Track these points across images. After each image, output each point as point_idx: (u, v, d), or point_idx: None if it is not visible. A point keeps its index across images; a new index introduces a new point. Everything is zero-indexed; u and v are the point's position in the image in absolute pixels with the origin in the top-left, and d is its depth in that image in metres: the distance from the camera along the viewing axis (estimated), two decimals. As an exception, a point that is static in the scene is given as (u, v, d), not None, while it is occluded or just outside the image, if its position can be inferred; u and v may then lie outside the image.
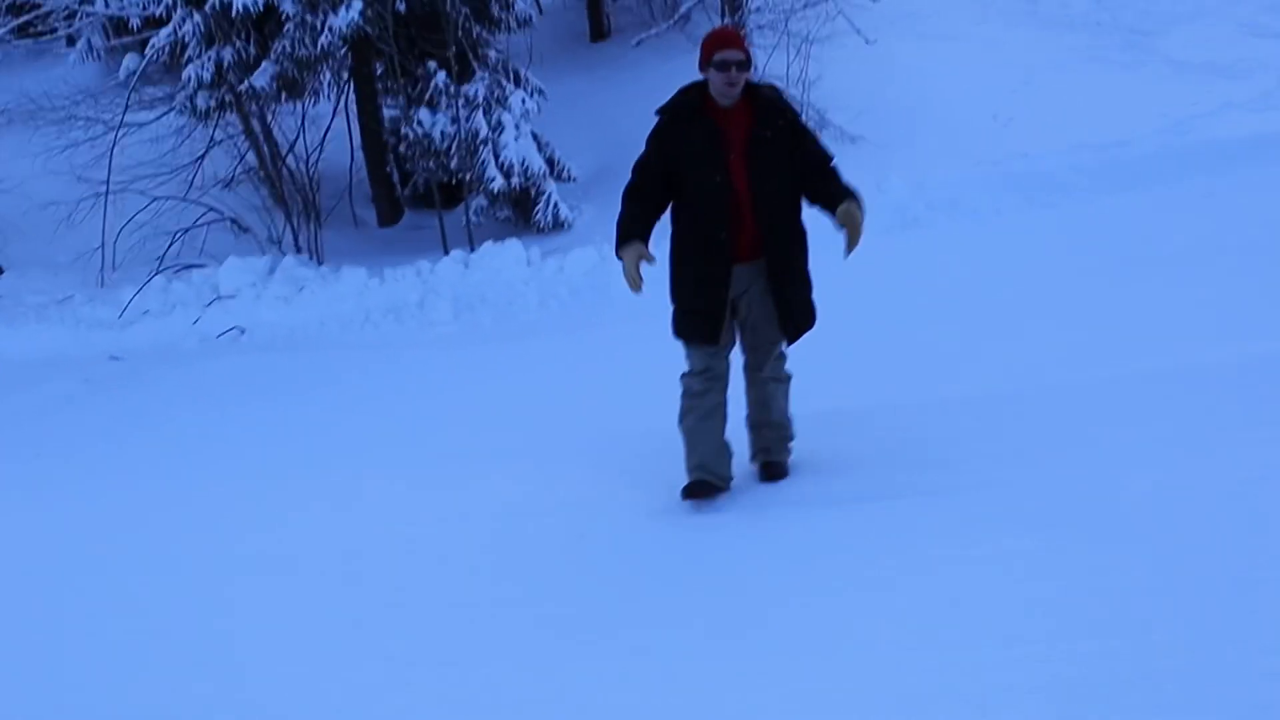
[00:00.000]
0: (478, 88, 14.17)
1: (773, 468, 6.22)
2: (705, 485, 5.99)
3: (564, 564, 5.75)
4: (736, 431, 6.25)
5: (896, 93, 15.08)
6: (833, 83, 14.99)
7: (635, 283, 5.69)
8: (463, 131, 13.93)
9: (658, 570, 5.56)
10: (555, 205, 14.35)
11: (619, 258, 5.77)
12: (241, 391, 10.52)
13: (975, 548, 4.95)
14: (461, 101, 13.99)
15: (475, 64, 14.36)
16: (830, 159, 5.93)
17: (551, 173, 14.69)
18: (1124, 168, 12.50)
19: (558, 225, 14.32)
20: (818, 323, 6.11)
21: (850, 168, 13.75)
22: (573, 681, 4.51)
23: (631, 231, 5.74)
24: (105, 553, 6.80)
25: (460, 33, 14.10)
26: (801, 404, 6.36)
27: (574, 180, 15.23)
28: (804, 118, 14.43)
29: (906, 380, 7.66)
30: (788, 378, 6.22)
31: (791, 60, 15.22)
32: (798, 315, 5.97)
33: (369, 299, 12.46)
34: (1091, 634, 4.04)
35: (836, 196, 5.73)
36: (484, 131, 14.04)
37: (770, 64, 15.24)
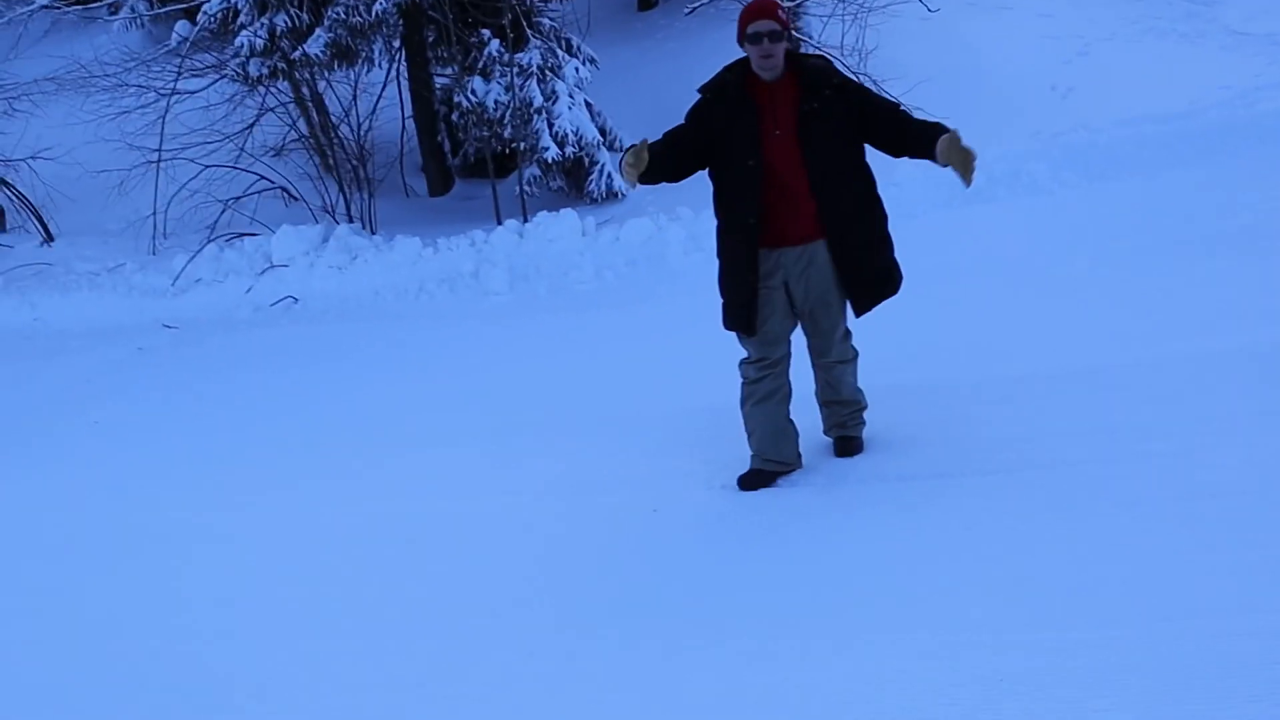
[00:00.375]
0: (532, 56, 14.07)
1: (847, 443, 6.15)
2: (760, 475, 5.97)
3: (635, 541, 5.70)
4: (807, 405, 6.17)
5: (954, 64, 14.90)
6: (890, 53, 14.84)
7: (627, 175, 5.48)
8: (517, 100, 13.85)
9: (731, 547, 5.52)
10: (609, 175, 14.26)
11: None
12: (297, 361, 10.49)
13: (1055, 528, 4.89)
14: (515, 70, 13.90)
15: (529, 32, 14.26)
16: (897, 105, 5.72)
17: (604, 142, 14.60)
18: (1186, 141, 12.30)
19: (610, 196, 14.23)
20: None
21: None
22: (637, 664, 4.47)
23: (651, 142, 5.51)
24: (164, 516, 6.84)
25: (514, 1, 14.00)
26: (872, 378, 6.29)
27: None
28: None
29: (975, 356, 7.58)
30: (854, 355, 6.11)
31: (847, 29, 15.07)
32: (871, 286, 5.80)
33: (423, 268, 12.40)
34: (1188, 615, 3.97)
35: (925, 136, 5.42)
36: (538, 100, 13.95)
37: (826, 33, 15.11)
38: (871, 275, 5.81)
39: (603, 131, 14.72)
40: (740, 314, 5.75)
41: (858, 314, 5.88)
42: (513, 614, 5.11)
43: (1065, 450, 5.74)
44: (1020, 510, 5.15)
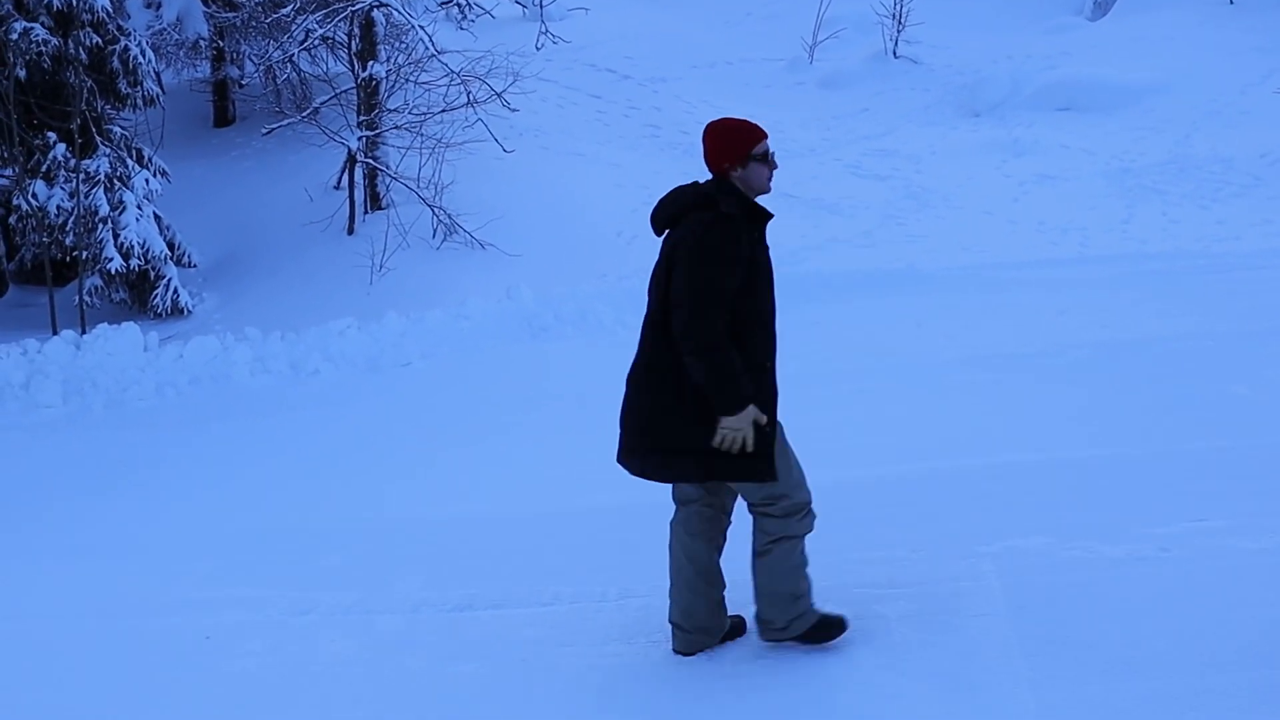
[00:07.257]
0: (100, 164, 13.69)
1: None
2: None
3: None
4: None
5: (528, 203, 15.37)
6: (466, 189, 15.17)
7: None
8: (81, 208, 13.40)
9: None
10: (175, 290, 13.95)
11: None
12: None
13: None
14: (82, 177, 13.47)
15: (98, 139, 13.87)
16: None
17: (172, 256, 14.29)
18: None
19: (176, 311, 13.93)
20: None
21: (480, 275, 13.95)
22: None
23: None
24: None
25: (84, 106, 13.61)
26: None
27: (194, 266, 14.87)
28: (435, 222, 14.64)
29: (532, 490, 7.82)
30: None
31: (424, 162, 15.31)
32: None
33: (-32, 376, 11.71)
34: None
35: None
36: (104, 209, 13.56)
37: (403, 165, 15.32)
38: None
39: (171, 246, 14.42)
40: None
41: None
42: None
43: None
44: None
